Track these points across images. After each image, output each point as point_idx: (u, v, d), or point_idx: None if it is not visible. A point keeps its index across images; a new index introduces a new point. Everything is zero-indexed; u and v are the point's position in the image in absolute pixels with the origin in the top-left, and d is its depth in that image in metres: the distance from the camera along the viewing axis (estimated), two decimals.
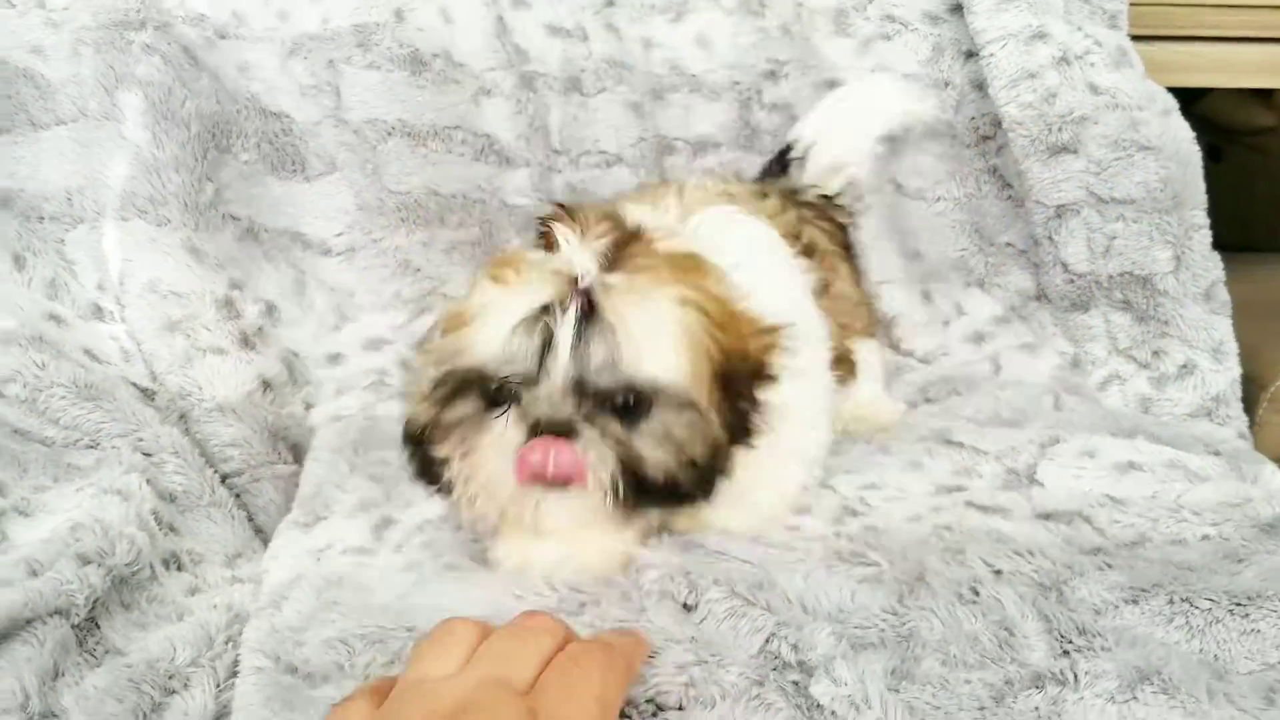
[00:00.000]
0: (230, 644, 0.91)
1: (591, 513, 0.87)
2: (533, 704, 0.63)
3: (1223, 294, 1.41)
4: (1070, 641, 0.82)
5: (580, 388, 0.84)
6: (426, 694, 0.65)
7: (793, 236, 1.19)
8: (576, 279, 0.86)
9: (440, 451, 0.90)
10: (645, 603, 0.87)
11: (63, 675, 0.83)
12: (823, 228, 1.30)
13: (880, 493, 1.06)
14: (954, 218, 1.51)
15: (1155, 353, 1.40)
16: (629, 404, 0.86)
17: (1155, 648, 0.83)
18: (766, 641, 0.81)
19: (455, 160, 1.46)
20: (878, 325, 1.41)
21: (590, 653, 0.70)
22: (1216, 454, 1.13)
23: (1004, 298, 1.50)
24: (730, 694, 0.77)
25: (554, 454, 0.84)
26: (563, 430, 0.84)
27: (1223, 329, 1.40)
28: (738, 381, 0.91)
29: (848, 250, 1.35)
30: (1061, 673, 0.80)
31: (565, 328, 0.84)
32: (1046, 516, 1.02)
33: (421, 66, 1.43)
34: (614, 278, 0.86)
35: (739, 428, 0.92)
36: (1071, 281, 1.44)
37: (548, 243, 0.92)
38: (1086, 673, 0.79)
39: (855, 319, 1.27)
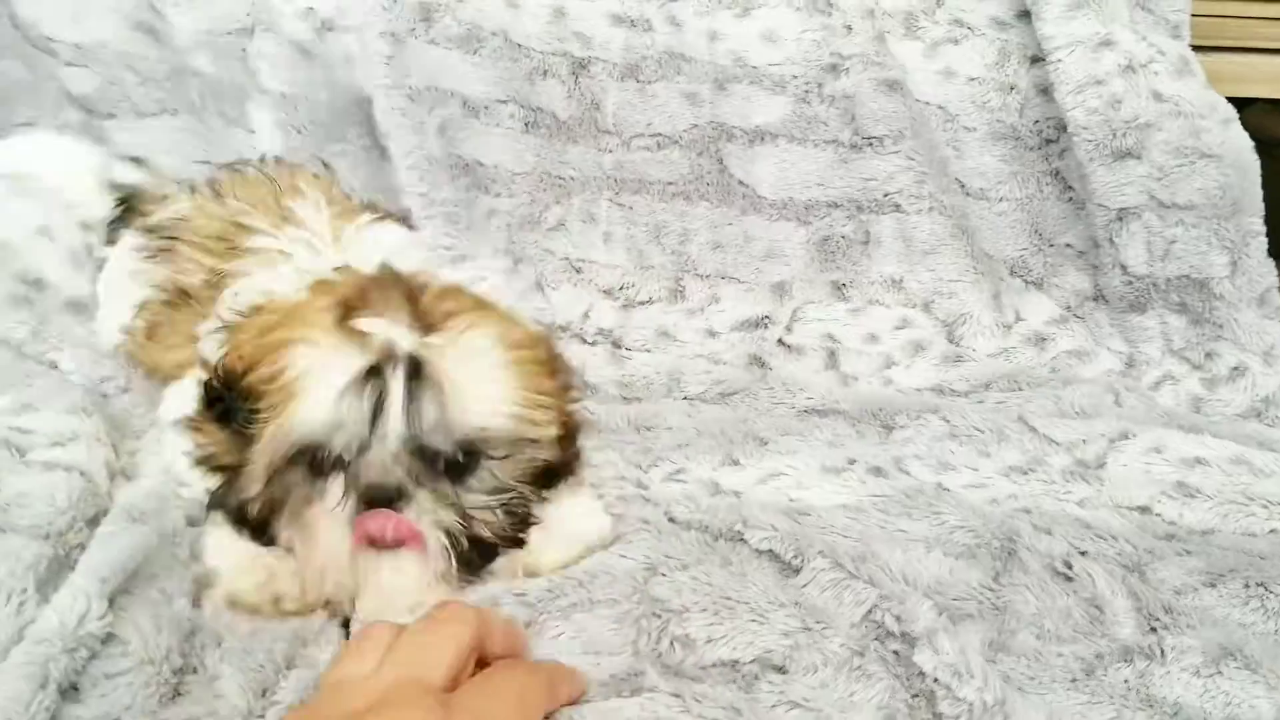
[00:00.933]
0: None
1: (431, 574, 0.86)
2: (449, 699, 0.65)
3: (1276, 299, 1.44)
4: (1157, 619, 0.86)
5: (413, 451, 0.84)
6: (343, 693, 0.66)
7: None
8: (394, 345, 0.85)
9: (274, 528, 0.89)
10: (746, 566, 0.90)
11: (198, 634, 0.86)
12: None
13: (957, 476, 1.09)
14: (1015, 218, 1.55)
15: (1208, 354, 1.44)
16: (459, 460, 0.86)
17: (1234, 628, 0.87)
18: (869, 612, 0.85)
19: (503, 133, 1.51)
20: None
21: (516, 662, 0.73)
22: (1273, 451, 1.17)
23: (1061, 298, 1.53)
24: (832, 661, 0.81)
25: (392, 521, 0.83)
26: (394, 496, 0.84)
27: (1275, 333, 1.43)
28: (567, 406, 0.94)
29: None
30: (1149, 648, 0.84)
31: (395, 390, 0.83)
32: (1119, 505, 1.06)
33: (478, 44, 1.49)
34: (434, 338, 0.86)
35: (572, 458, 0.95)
36: (1130, 283, 1.47)
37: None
38: (1173, 648, 0.84)
39: None
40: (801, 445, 1.18)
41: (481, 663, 0.73)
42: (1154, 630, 0.86)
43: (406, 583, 0.86)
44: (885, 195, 1.50)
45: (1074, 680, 0.82)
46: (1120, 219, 1.45)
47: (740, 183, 1.52)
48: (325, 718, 0.66)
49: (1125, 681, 0.82)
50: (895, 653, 0.82)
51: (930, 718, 0.78)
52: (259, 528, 0.90)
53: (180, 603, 0.87)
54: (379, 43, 1.46)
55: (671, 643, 0.82)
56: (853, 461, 1.12)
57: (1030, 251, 1.55)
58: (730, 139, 1.52)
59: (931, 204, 1.48)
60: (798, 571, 0.89)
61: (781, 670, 0.80)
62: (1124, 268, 1.47)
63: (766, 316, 1.48)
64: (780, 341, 1.47)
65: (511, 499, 0.89)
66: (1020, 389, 1.37)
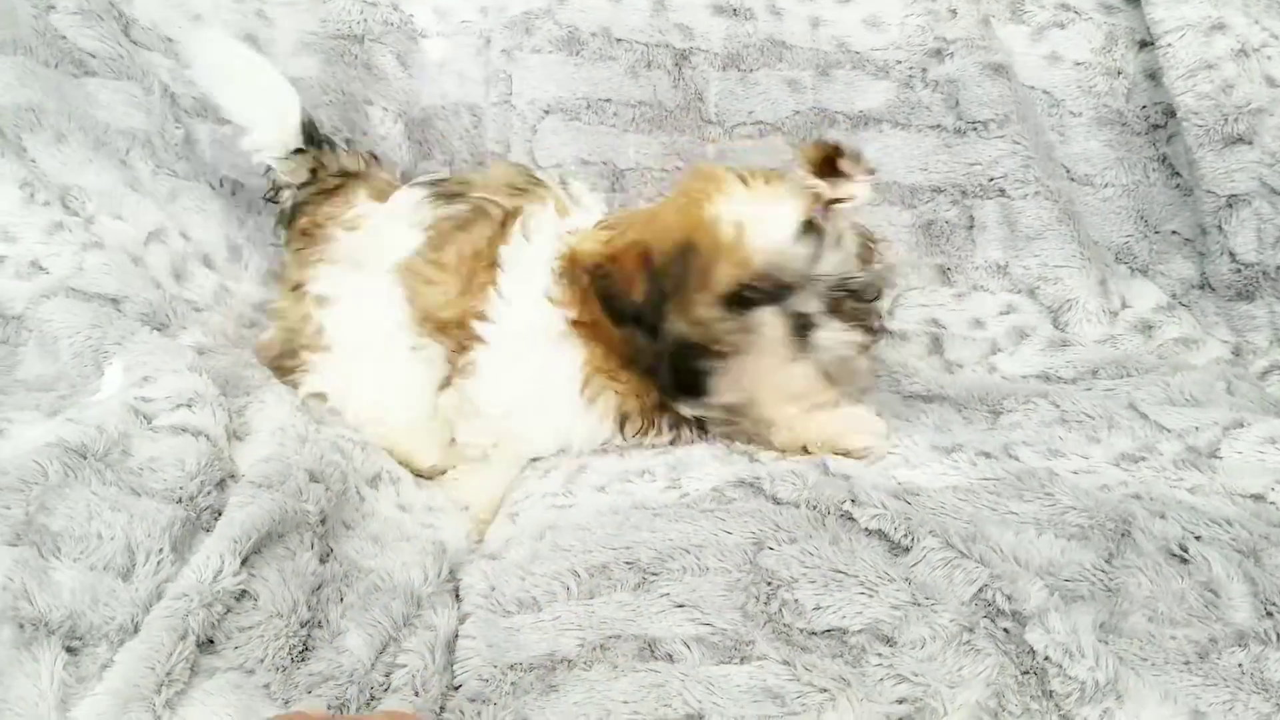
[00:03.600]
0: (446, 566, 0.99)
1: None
2: None
3: None
4: (1273, 604, 0.85)
5: (835, 285, 1.06)
6: None
7: None
8: (815, 195, 1.06)
9: (718, 362, 1.07)
10: (855, 544, 0.91)
11: (322, 588, 0.90)
12: None
13: (1066, 462, 1.09)
14: (1120, 204, 1.53)
15: None
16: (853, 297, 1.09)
17: None
18: (979, 591, 0.85)
19: (606, 131, 1.54)
20: None
21: None
22: None
23: (1167, 285, 1.52)
24: (941, 636, 0.82)
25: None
26: (811, 324, 1.06)
27: None
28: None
29: None
30: (1265, 633, 0.83)
31: (830, 238, 1.05)
32: (1232, 493, 1.05)
33: (579, 45, 1.52)
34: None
35: None
36: (1238, 271, 1.45)
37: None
38: None
39: None
40: (910, 428, 1.18)
41: None
42: (1270, 615, 0.85)
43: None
44: (990, 180, 1.49)
45: (1187, 663, 0.81)
46: (1229, 205, 1.43)
47: None
48: None
49: (1239, 665, 0.81)
50: (1005, 630, 0.82)
51: (1040, 695, 0.78)
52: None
53: (305, 557, 0.92)
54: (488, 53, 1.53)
55: (780, 607, 0.84)
56: (960, 446, 1.11)
57: (1136, 238, 1.53)
58: (833, 124, 1.53)
59: (1037, 189, 1.47)
60: (907, 550, 0.89)
61: (890, 642, 0.81)
62: (1232, 255, 1.44)
63: None
64: (884, 327, 1.46)
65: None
66: (1129, 375, 1.36)
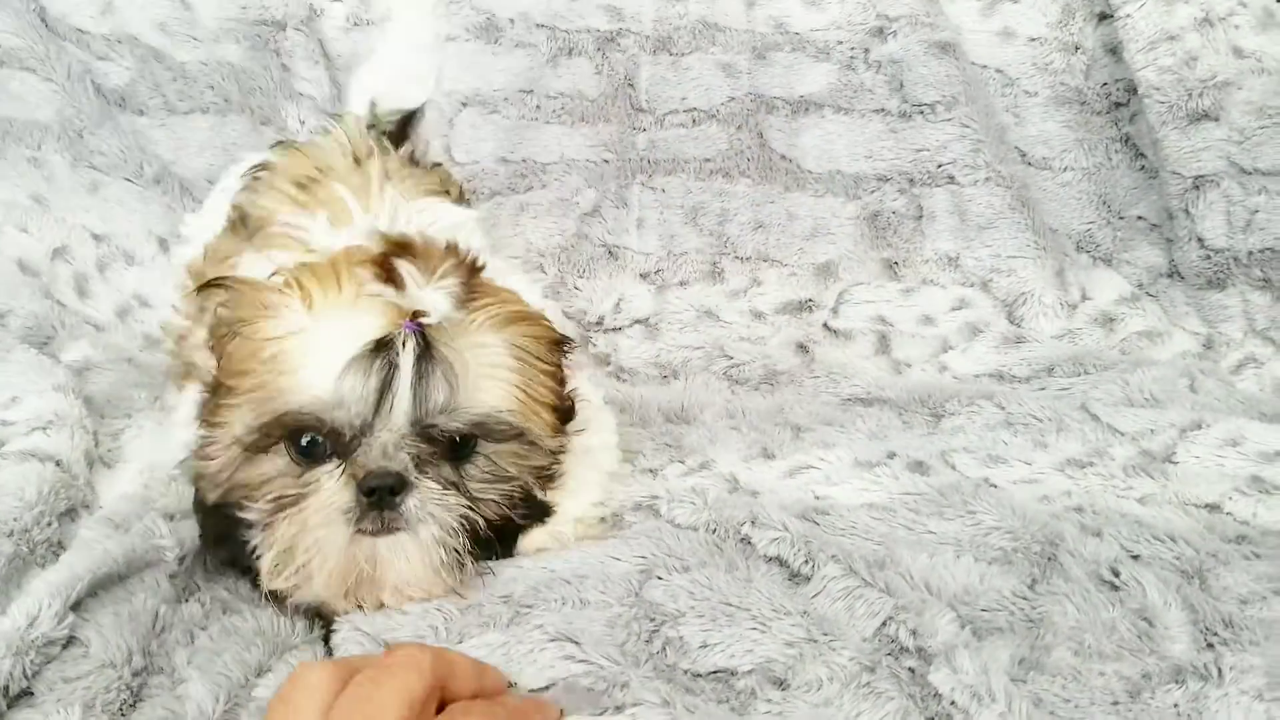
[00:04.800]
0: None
1: (430, 562, 0.80)
2: None
3: None
4: (1215, 634, 0.77)
5: (417, 430, 0.78)
6: None
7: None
8: (411, 313, 0.78)
9: (248, 515, 0.81)
10: (753, 572, 0.83)
11: (167, 632, 0.82)
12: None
13: (1008, 470, 1.00)
14: (1081, 189, 1.44)
15: None
16: (456, 444, 0.80)
17: None
18: (883, 625, 0.77)
19: (527, 125, 1.45)
20: None
21: (471, 705, 0.66)
22: None
23: (1133, 274, 1.42)
24: (839, 677, 0.73)
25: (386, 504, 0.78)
26: (397, 485, 0.77)
27: None
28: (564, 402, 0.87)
29: None
30: (1205, 667, 0.74)
31: (406, 367, 0.76)
32: (1185, 503, 0.96)
33: (497, 32, 1.43)
34: (451, 312, 0.80)
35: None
36: (1208, 258, 1.35)
37: (387, 275, 0.82)
38: (1232, 668, 0.74)
39: None
40: (840, 436, 1.11)
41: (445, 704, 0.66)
42: (1211, 646, 0.76)
43: (403, 566, 0.80)
44: (938, 166, 1.40)
45: (1116, 703, 0.73)
46: (1197, 188, 1.34)
47: (783, 157, 1.43)
48: None
49: (1175, 706, 0.72)
50: (910, 670, 0.74)
51: None
52: (225, 532, 0.84)
53: (146, 600, 0.83)
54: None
55: (663, 646, 0.76)
56: (892, 455, 1.03)
57: (1098, 225, 1.44)
58: (771, 111, 1.43)
59: (988, 174, 1.38)
60: (808, 579, 0.81)
61: (782, 685, 0.73)
62: (1201, 241, 1.35)
63: (810, 300, 1.39)
64: (826, 326, 1.38)
65: (513, 489, 0.84)
66: (1086, 373, 1.27)
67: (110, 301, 1.31)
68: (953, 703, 0.70)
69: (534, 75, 1.44)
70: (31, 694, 0.74)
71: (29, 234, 1.29)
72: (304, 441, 0.79)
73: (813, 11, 1.43)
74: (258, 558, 0.80)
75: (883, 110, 1.41)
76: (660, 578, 0.82)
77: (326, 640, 0.84)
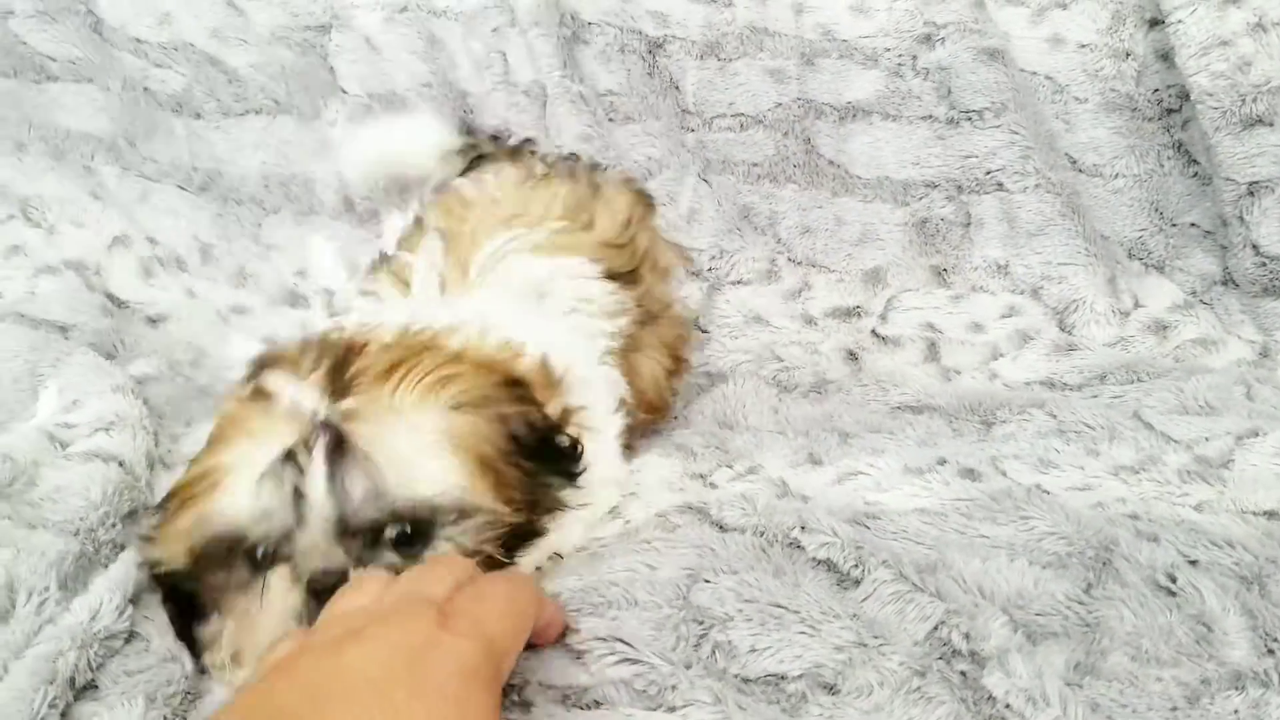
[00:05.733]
0: None
1: None
2: (445, 605, 0.65)
3: None
4: (1275, 640, 0.75)
5: (346, 528, 0.76)
6: (343, 619, 0.66)
7: (613, 246, 1.15)
8: (312, 417, 0.78)
9: (208, 623, 0.81)
10: (800, 576, 0.82)
11: None
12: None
13: (1060, 476, 0.99)
14: (1132, 196, 1.42)
15: None
16: (406, 533, 0.78)
17: None
18: (934, 629, 0.76)
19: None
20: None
21: (502, 572, 0.75)
22: None
23: (1186, 282, 1.41)
24: (889, 682, 0.72)
25: None
26: (340, 580, 0.75)
27: None
28: (540, 453, 0.85)
29: None
30: (1265, 673, 0.73)
31: (315, 469, 0.76)
32: (1243, 510, 0.94)
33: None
34: (350, 402, 0.79)
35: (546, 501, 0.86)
36: (1263, 265, 1.34)
37: (259, 396, 0.83)
38: None
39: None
40: (889, 443, 1.10)
41: None
42: (1271, 653, 0.74)
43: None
44: (987, 173, 1.39)
45: (1174, 709, 0.71)
46: (1251, 194, 1.32)
47: (830, 163, 1.43)
48: (324, 639, 0.64)
49: (1235, 712, 0.71)
50: (962, 674, 0.73)
51: None
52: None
53: None
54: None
55: (713, 650, 0.75)
56: (943, 461, 1.02)
57: (1150, 232, 1.42)
58: (819, 117, 1.44)
59: (1038, 181, 1.37)
60: (858, 584, 0.80)
61: (832, 690, 0.72)
62: (1256, 248, 1.33)
63: (858, 307, 1.38)
64: (874, 333, 1.37)
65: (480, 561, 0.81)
66: (1139, 381, 1.25)
67: (168, 299, 1.35)
68: (1007, 706, 0.69)
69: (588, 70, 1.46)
70: (96, 687, 0.76)
71: (85, 228, 1.34)
72: (258, 553, 0.78)
73: (861, 18, 1.43)
74: (206, 649, 0.81)
75: (931, 117, 1.41)
76: (708, 580, 0.81)
77: None
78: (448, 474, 0.79)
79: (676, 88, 1.46)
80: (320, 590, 0.76)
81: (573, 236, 1.15)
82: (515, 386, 0.87)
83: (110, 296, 1.33)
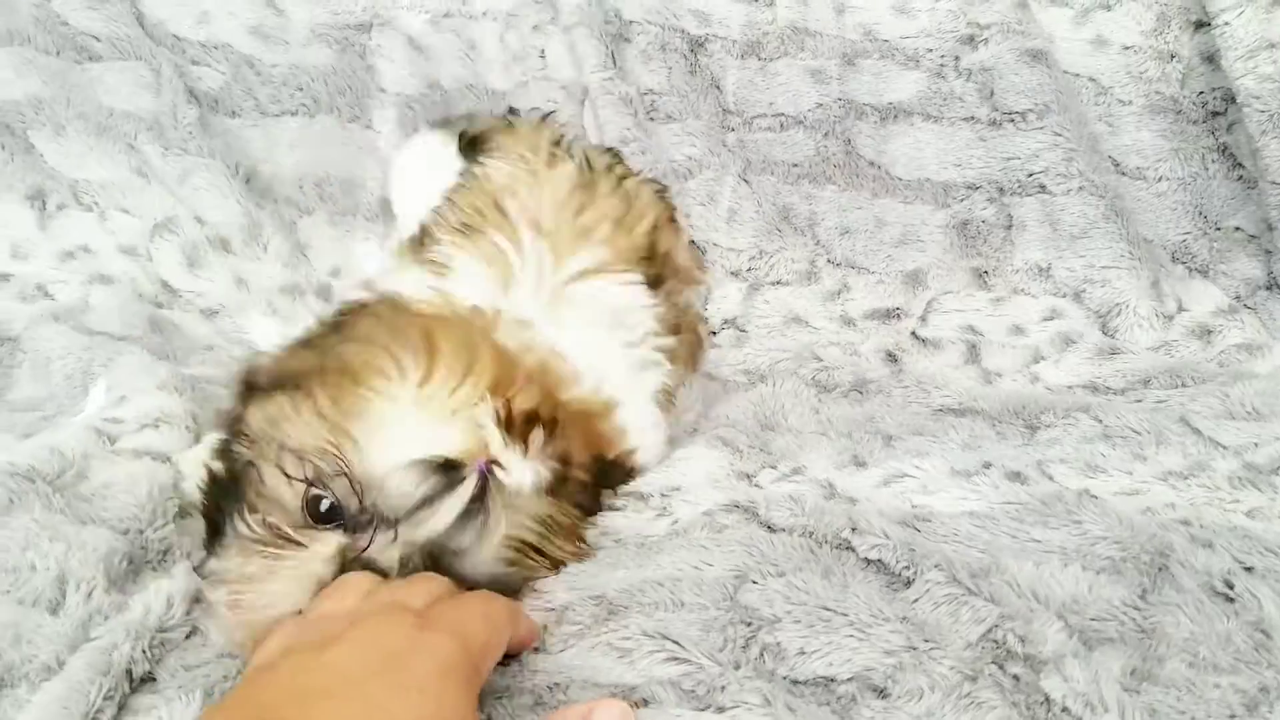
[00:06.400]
0: None
1: None
2: (423, 612, 0.68)
3: None
4: None
5: (429, 553, 0.77)
6: (322, 622, 0.69)
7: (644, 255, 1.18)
8: (487, 446, 0.79)
9: (224, 550, 0.81)
10: (849, 578, 0.82)
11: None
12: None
13: (1108, 481, 0.98)
14: (1176, 199, 1.41)
15: None
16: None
17: None
18: (988, 632, 0.75)
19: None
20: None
21: (476, 592, 0.76)
22: None
23: (1229, 286, 1.39)
24: (940, 686, 0.72)
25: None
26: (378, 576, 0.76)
27: None
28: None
29: None
30: None
31: (457, 498, 0.77)
32: None
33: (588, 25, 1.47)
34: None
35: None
36: None
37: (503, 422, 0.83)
38: None
39: None
40: (932, 446, 1.09)
41: None
42: None
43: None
44: (1029, 175, 1.38)
45: (1232, 716, 0.71)
46: None
47: (871, 164, 1.43)
48: (307, 640, 0.66)
49: None
50: (1015, 677, 0.72)
51: None
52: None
53: None
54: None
55: (761, 652, 0.75)
56: (988, 465, 1.01)
57: (1194, 235, 1.41)
58: (860, 117, 1.43)
59: (1081, 184, 1.36)
60: (909, 584, 0.80)
61: (883, 694, 0.72)
62: None
63: (898, 308, 1.38)
64: (914, 334, 1.37)
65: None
66: (1184, 385, 1.24)
67: (222, 276, 1.37)
68: (1064, 709, 0.69)
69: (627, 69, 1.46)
70: (155, 680, 0.77)
71: (131, 215, 1.37)
72: (322, 504, 0.78)
73: (903, 19, 1.42)
74: (217, 550, 0.82)
75: (973, 118, 1.40)
76: (755, 582, 0.81)
77: None
78: (518, 565, 0.82)
79: (717, 87, 1.45)
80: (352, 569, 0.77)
81: (617, 247, 1.17)
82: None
83: (165, 285, 1.37)
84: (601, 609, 0.82)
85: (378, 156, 1.48)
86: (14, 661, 0.75)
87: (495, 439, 0.80)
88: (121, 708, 0.74)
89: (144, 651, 0.77)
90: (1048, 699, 0.70)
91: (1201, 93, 1.40)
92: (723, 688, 0.73)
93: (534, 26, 1.48)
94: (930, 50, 1.41)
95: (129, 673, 0.75)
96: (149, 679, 0.77)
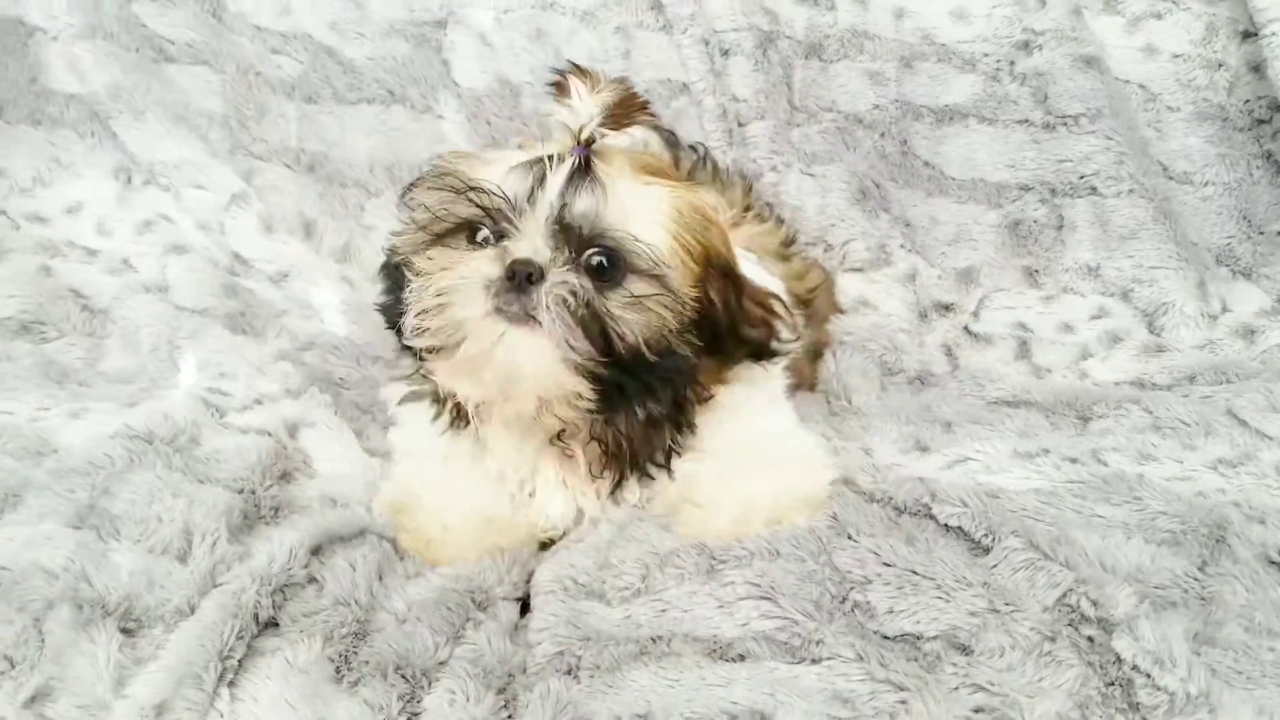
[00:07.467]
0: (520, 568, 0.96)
1: (557, 357, 0.87)
2: None
3: None
4: None
5: (560, 232, 0.88)
6: None
7: None
8: (580, 138, 0.90)
9: (414, 279, 0.91)
10: (933, 544, 0.87)
11: (387, 578, 0.90)
12: None
13: (1160, 468, 1.03)
14: (1221, 203, 1.46)
15: None
16: (603, 266, 0.89)
17: None
18: (1063, 596, 0.80)
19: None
20: None
21: None
22: None
23: (1271, 288, 1.44)
24: (1020, 645, 0.77)
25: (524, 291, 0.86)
26: (535, 274, 0.86)
27: None
28: (730, 295, 0.94)
29: None
30: None
31: (558, 173, 0.88)
32: None
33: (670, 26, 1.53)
34: (611, 140, 0.92)
35: (727, 341, 0.95)
36: None
37: (560, 90, 0.95)
38: None
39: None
40: (991, 433, 1.13)
41: None
42: None
43: (524, 354, 0.87)
44: (1080, 177, 1.43)
45: None
46: None
47: (926, 164, 1.48)
48: None
49: None
50: (1090, 639, 0.77)
51: (1126, 707, 0.73)
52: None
53: (370, 554, 0.91)
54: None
55: (853, 608, 0.80)
56: (1046, 450, 1.06)
57: (1238, 239, 1.46)
58: (917, 118, 1.48)
59: (1131, 186, 1.41)
60: (987, 551, 0.85)
61: (966, 650, 0.77)
62: None
63: (952, 303, 1.43)
64: (967, 329, 1.42)
65: (650, 327, 0.89)
66: (1228, 382, 1.28)
67: (290, 254, 1.45)
68: (1135, 667, 0.74)
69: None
70: (278, 625, 0.83)
71: (205, 189, 1.44)
72: (477, 236, 0.91)
73: (960, 24, 1.48)
74: (405, 312, 0.91)
75: (1026, 121, 1.46)
76: (851, 538, 0.86)
77: (524, 609, 0.91)
78: (654, 235, 0.90)
79: (787, 85, 1.51)
80: (514, 274, 0.86)
81: None
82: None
83: (236, 256, 1.43)
84: (704, 558, 0.87)
85: (447, 145, 1.53)
86: (149, 605, 0.81)
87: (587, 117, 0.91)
88: (250, 648, 0.79)
89: (269, 597, 0.82)
90: (1119, 658, 0.75)
91: (1248, 100, 1.45)
92: (818, 641, 0.78)
93: (616, 28, 1.54)
94: (986, 55, 1.47)
95: (256, 616, 0.81)
96: (272, 623, 0.82)
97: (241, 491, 0.94)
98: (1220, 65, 1.45)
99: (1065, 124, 1.44)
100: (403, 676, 0.79)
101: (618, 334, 0.88)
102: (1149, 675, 0.73)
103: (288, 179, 1.51)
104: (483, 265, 0.88)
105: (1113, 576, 0.81)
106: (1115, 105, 1.43)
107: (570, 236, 0.88)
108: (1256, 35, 1.40)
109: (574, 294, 0.86)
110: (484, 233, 0.90)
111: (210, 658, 0.76)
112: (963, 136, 1.48)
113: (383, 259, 1.01)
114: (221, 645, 0.77)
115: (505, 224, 0.89)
